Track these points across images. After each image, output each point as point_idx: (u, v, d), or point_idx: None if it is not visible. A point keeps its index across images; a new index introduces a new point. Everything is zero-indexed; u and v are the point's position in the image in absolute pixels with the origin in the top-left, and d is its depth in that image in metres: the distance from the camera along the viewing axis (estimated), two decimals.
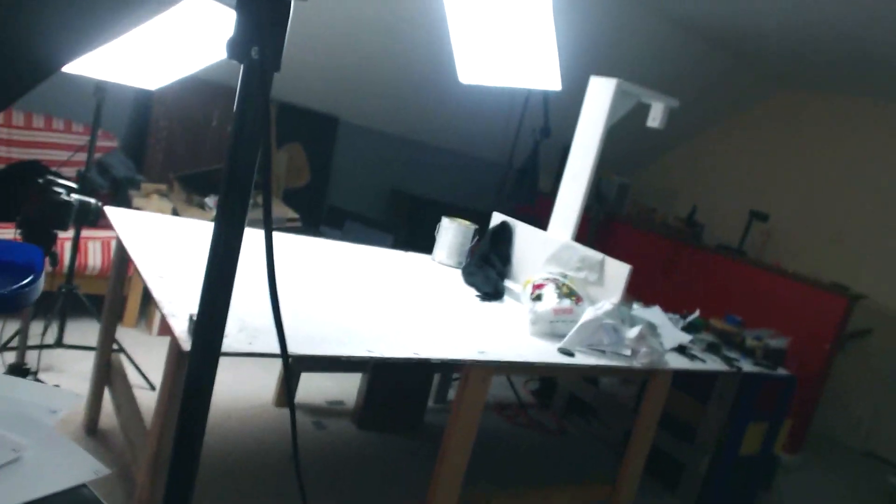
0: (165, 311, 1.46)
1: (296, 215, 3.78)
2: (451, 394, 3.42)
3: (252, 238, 2.54)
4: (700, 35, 4.57)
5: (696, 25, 4.39)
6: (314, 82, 4.41)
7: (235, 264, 0.73)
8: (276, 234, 2.58)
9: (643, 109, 2.80)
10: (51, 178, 1.63)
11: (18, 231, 1.56)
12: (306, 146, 4.58)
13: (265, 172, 0.66)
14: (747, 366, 2.69)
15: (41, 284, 1.16)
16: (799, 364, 3.38)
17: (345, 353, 1.54)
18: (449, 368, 3.30)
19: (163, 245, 1.96)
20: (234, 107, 0.68)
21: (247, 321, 1.54)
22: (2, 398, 0.81)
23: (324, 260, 2.40)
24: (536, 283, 2.47)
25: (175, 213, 3.35)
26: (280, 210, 3.82)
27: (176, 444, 0.74)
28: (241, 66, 0.67)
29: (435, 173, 5.45)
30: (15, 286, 1.06)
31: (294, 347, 1.49)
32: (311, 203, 4.64)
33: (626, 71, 3.33)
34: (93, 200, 1.75)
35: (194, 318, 0.75)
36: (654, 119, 2.79)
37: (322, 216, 4.73)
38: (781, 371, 2.85)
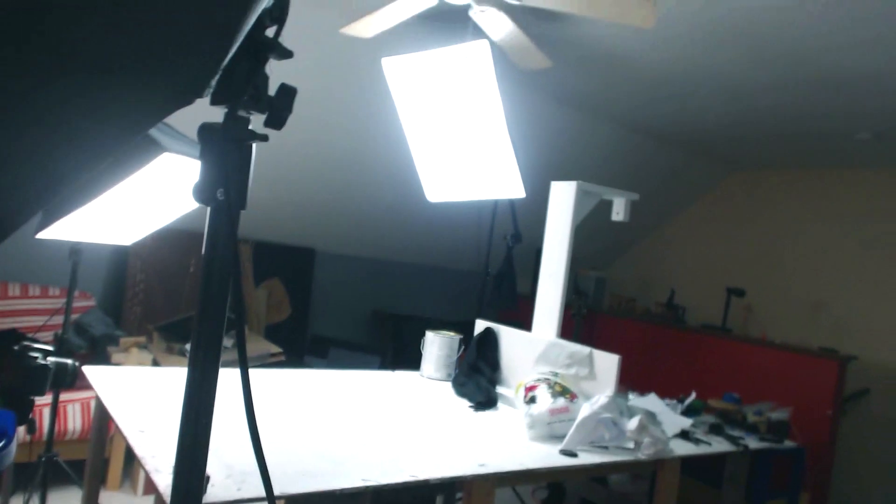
0: (148, 466, 1.41)
1: (279, 349, 3.74)
2: None
3: (235, 379, 2.50)
4: (651, 135, 4.88)
5: (646, 127, 4.69)
6: (287, 219, 4.53)
7: (211, 408, 0.72)
8: (260, 370, 2.54)
9: (608, 206, 2.92)
10: (26, 343, 1.62)
11: None
12: (284, 280, 4.62)
13: (238, 308, 0.68)
14: (753, 442, 2.63)
15: (13, 449, 1.12)
16: (804, 434, 3.31)
17: (339, 486, 1.48)
18: (451, 487, 3.16)
19: (143, 398, 1.92)
20: (203, 247, 0.70)
21: (234, 466, 1.49)
22: None
23: (310, 390, 2.35)
24: (529, 385, 2.44)
25: (156, 363, 3.30)
26: (262, 346, 3.79)
27: None
28: (209, 209, 0.70)
29: (414, 290, 5.50)
30: None
31: (284, 487, 1.43)
32: (294, 335, 4.61)
33: (587, 171, 3.53)
34: (70, 361, 1.73)
35: None
36: (618, 213, 2.92)
37: (306, 347, 4.68)
38: (788, 443, 2.79)
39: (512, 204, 3.95)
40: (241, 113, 0.71)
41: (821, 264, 5.02)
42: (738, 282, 5.14)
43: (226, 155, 0.68)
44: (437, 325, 3.22)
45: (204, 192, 0.69)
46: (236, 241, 0.69)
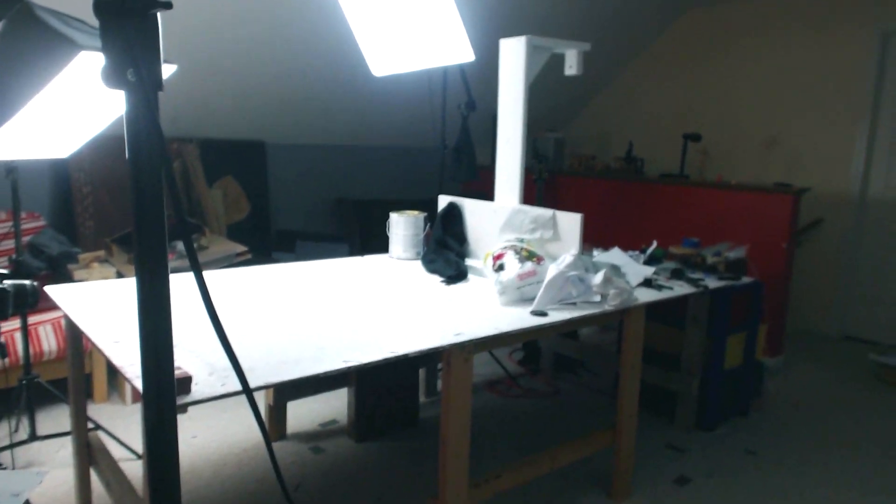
0: (129, 375, 1.41)
1: (244, 248, 3.70)
2: (440, 384, 3.42)
3: (210, 279, 2.48)
4: None
5: None
6: (232, 112, 4.31)
7: (168, 310, 0.70)
8: (228, 271, 2.52)
9: (560, 61, 2.82)
10: None
11: None
12: (239, 177, 4.49)
13: (174, 196, 0.63)
14: (713, 282, 2.75)
15: None
16: (762, 269, 3.48)
17: (321, 370, 1.52)
18: (431, 359, 3.29)
19: (112, 311, 1.90)
20: (125, 136, 0.65)
21: (216, 364, 1.50)
22: None
23: (281, 284, 2.35)
24: (496, 254, 2.48)
25: (120, 275, 3.25)
26: (227, 246, 3.74)
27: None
28: (124, 94, 0.64)
29: (374, 173, 5.41)
30: None
31: (268, 377, 1.46)
32: (258, 232, 4.55)
33: (535, 25, 3.35)
34: (27, 282, 1.68)
35: None
36: (571, 66, 2.82)
37: (272, 243, 4.64)
38: (746, 280, 2.93)
39: (462, 70, 3.80)
40: None
41: (773, 100, 5.04)
42: (695, 127, 5.15)
43: (128, 29, 0.61)
44: (402, 206, 3.20)
45: (112, 75, 0.62)
46: (158, 124, 0.63)
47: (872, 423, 3.25)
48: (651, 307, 2.39)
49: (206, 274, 2.44)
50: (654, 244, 2.98)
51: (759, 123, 5.12)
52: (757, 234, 3.94)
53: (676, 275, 2.75)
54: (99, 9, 0.60)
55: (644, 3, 5.18)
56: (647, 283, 2.56)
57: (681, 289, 2.57)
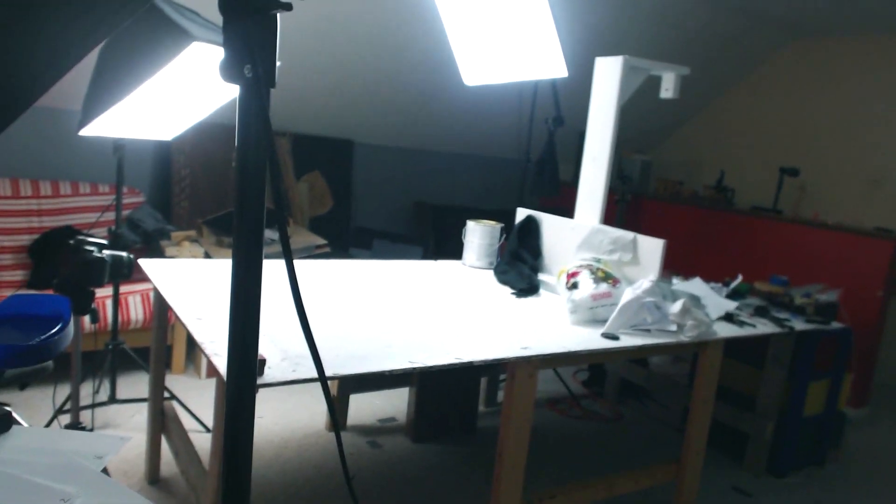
0: (208, 351, 1.48)
1: (324, 241, 3.81)
2: (501, 395, 3.40)
3: (284, 270, 2.57)
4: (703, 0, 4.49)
5: None
6: (324, 109, 4.46)
7: (258, 294, 0.73)
8: (307, 262, 2.60)
9: (656, 83, 2.76)
10: (81, 238, 1.68)
11: (57, 293, 1.60)
12: (325, 173, 4.63)
13: (276, 188, 0.66)
14: (799, 324, 2.61)
15: (70, 333, 1.18)
16: (853, 315, 3.27)
17: (388, 368, 1.54)
18: (495, 370, 3.28)
19: (198, 289, 1.99)
20: (236, 128, 0.68)
21: (289, 350, 1.55)
22: (48, 450, 0.83)
23: (357, 280, 2.41)
24: (571, 272, 2.44)
25: (207, 256, 3.41)
26: (308, 238, 3.86)
27: (224, 481, 0.75)
28: (239, 88, 0.67)
29: (455, 179, 5.45)
30: (44, 336, 1.09)
31: (336, 368, 1.49)
32: (338, 227, 4.68)
33: (632, 46, 3.30)
34: (125, 254, 1.79)
35: None
36: (667, 90, 2.75)
37: (350, 239, 4.76)
38: (835, 325, 2.76)
39: (554, 84, 3.77)
40: None
41: (880, 140, 4.73)
42: (793, 161, 4.90)
43: (249, 27, 0.64)
44: (479, 215, 3.21)
45: (230, 70, 0.66)
46: (268, 119, 0.67)
47: None
48: (730, 343, 2.29)
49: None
50: (739, 278, 2.85)
51: (862, 163, 4.82)
52: (850, 278, 3.71)
53: (760, 312, 2.62)
54: (223, 6, 0.64)
55: (748, 30, 4.98)
56: (728, 317, 2.45)
57: (764, 327, 2.45)
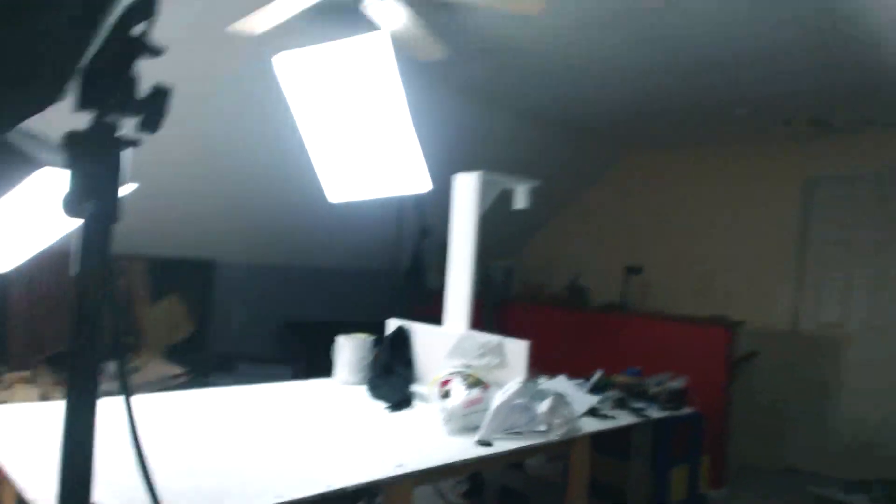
0: None
1: (181, 370, 3.57)
2: None
3: (141, 403, 2.35)
4: (548, 121, 5.03)
5: (543, 114, 4.84)
6: (182, 230, 4.32)
7: (92, 442, 0.68)
8: (161, 394, 2.41)
9: (511, 194, 2.99)
10: None
11: None
12: (184, 296, 4.41)
13: (116, 330, 0.64)
14: (655, 412, 2.78)
15: None
16: (701, 400, 3.54)
17: None
18: (371, 492, 3.14)
19: (31, 437, 1.78)
20: (76, 264, 0.66)
21: (135, 498, 1.41)
22: None
23: (216, 409, 2.26)
24: (443, 380, 2.46)
25: (44, 398, 3.06)
26: (162, 368, 3.60)
27: None
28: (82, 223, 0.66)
29: (324, 295, 5.40)
30: None
31: None
32: (198, 354, 4.41)
33: (489, 161, 3.58)
34: None
35: None
36: (520, 201, 3.00)
37: (211, 365, 4.49)
38: (686, 410, 2.97)
39: (418, 198, 3.96)
40: (111, 118, 0.67)
41: (708, 237, 5.38)
42: (636, 259, 5.40)
43: (94, 163, 0.64)
44: (351, 329, 3.18)
45: (73, 205, 0.64)
46: (110, 258, 0.65)
47: None
48: (597, 437, 2.38)
49: (138, 398, 2.33)
50: (599, 373, 3.02)
51: (695, 259, 5.42)
52: (696, 365, 4.04)
53: (620, 404, 2.77)
54: (69, 141, 0.64)
55: (587, 147, 5.61)
56: (593, 412, 2.56)
57: (624, 418, 2.58)
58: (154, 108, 0.70)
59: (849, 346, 4.70)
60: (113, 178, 0.67)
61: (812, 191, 4.94)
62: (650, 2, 2.80)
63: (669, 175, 5.70)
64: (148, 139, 0.76)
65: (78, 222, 0.66)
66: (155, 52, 0.68)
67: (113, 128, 0.68)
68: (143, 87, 0.70)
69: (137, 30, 0.66)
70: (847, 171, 4.75)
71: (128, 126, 0.71)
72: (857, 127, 4.52)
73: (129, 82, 0.67)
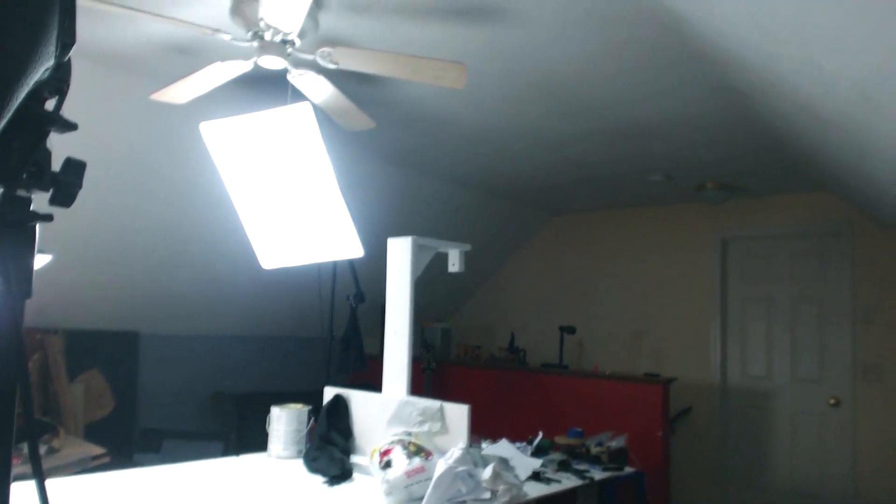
0: None
1: (102, 450, 3.32)
2: None
3: (58, 487, 2.17)
4: (476, 188, 5.16)
5: (471, 181, 4.97)
6: (103, 302, 4.11)
7: None
8: (81, 477, 2.23)
9: (445, 257, 3.01)
10: None
11: None
12: (106, 370, 4.16)
13: (26, 411, 0.59)
14: (598, 473, 2.77)
15: None
16: (641, 458, 3.56)
17: None
18: None
19: None
20: None
21: None
22: None
23: (142, 492, 2.10)
24: (383, 450, 2.38)
25: None
26: (82, 448, 3.34)
27: None
28: None
29: (256, 365, 5.21)
30: None
31: None
32: (120, 431, 4.13)
33: (421, 226, 3.63)
34: None
35: None
36: (454, 264, 3.02)
37: (136, 443, 4.21)
38: (629, 469, 2.98)
39: (352, 264, 3.92)
40: (21, 193, 0.64)
41: (636, 296, 5.54)
42: (569, 319, 5.48)
43: (3, 239, 0.61)
44: (285, 399, 3.06)
45: None
46: (21, 336, 0.61)
47: None
48: (541, 502, 2.34)
49: (57, 481, 2.15)
50: (540, 435, 3.00)
51: (626, 317, 5.56)
52: (634, 422, 4.09)
53: (563, 466, 2.75)
54: None
55: (516, 211, 5.78)
56: (536, 476, 2.53)
57: (568, 481, 2.56)
58: (68, 181, 0.67)
59: (775, 398, 4.87)
60: (24, 253, 0.63)
61: (727, 250, 5.21)
62: (562, 75, 2.96)
63: (595, 237, 5.91)
64: (72, 208, 0.73)
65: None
66: (68, 126, 0.66)
67: (25, 202, 0.65)
68: (57, 161, 0.68)
69: (49, 104, 0.65)
70: (758, 231, 5.05)
71: (40, 200, 0.69)
72: (766, 190, 4.85)
73: (42, 156, 0.65)
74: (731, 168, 4.32)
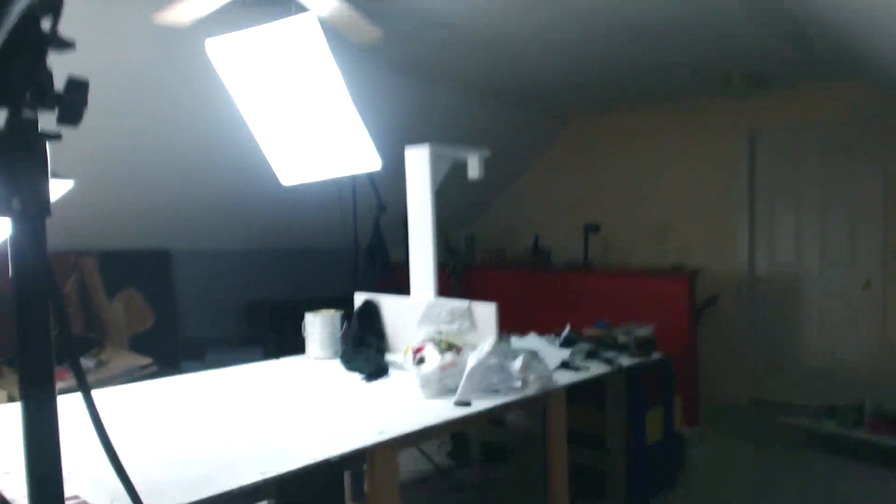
0: None
1: (148, 360, 3.50)
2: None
3: (111, 396, 2.31)
4: (492, 94, 5.01)
5: (487, 87, 4.81)
6: (133, 222, 4.19)
7: (56, 439, 0.66)
8: (132, 385, 2.37)
9: (464, 169, 2.99)
10: None
11: None
12: (142, 287, 4.31)
13: (61, 326, 0.61)
14: (626, 360, 2.85)
15: None
16: (669, 346, 3.64)
17: (237, 485, 1.43)
18: (356, 461, 3.16)
19: (2, 438, 1.73)
20: (10, 263, 0.63)
21: (120, 490, 1.39)
22: None
23: (191, 396, 2.23)
24: (416, 348, 2.47)
25: (11, 399, 2.97)
26: (128, 360, 3.53)
27: None
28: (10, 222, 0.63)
29: (287, 275, 5.34)
30: None
31: (178, 497, 1.36)
32: (165, 342, 4.34)
33: (438, 134, 3.57)
34: None
35: None
36: (473, 171, 3.01)
37: (180, 352, 4.43)
38: (656, 356, 3.05)
39: (371, 176, 3.90)
40: (27, 113, 0.64)
41: (661, 191, 5.46)
42: (594, 218, 5.46)
43: (15, 161, 0.61)
44: (317, 305, 3.16)
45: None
46: (45, 254, 0.63)
47: (788, 483, 3.36)
48: (571, 389, 2.43)
49: (108, 391, 2.29)
50: (568, 327, 3.07)
51: (652, 212, 5.51)
52: (661, 313, 4.14)
53: (591, 355, 2.83)
54: None
55: (534, 117, 5.62)
56: (565, 365, 2.61)
57: (597, 369, 2.64)
58: (72, 100, 0.67)
59: (804, 283, 4.87)
60: (38, 173, 0.64)
61: (755, 143, 5.05)
62: None
63: (618, 135, 5.75)
64: (90, 132, 0.73)
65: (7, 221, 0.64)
66: (65, 45, 0.65)
67: (31, 123, 0.65)
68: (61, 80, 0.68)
69: (45, 23, 0.64)
70: (787, 124, 4.87)
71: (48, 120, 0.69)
72: (794, 82, 4.62)
73: (43, 76, 0.64)
74: (757, 59, 4.11)
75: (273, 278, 5.23)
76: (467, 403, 2.06)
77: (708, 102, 5.15)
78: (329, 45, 1.94)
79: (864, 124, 4.55)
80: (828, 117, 4.68)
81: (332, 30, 2.65)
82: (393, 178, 3.09)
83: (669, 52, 3.96)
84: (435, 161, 2.80)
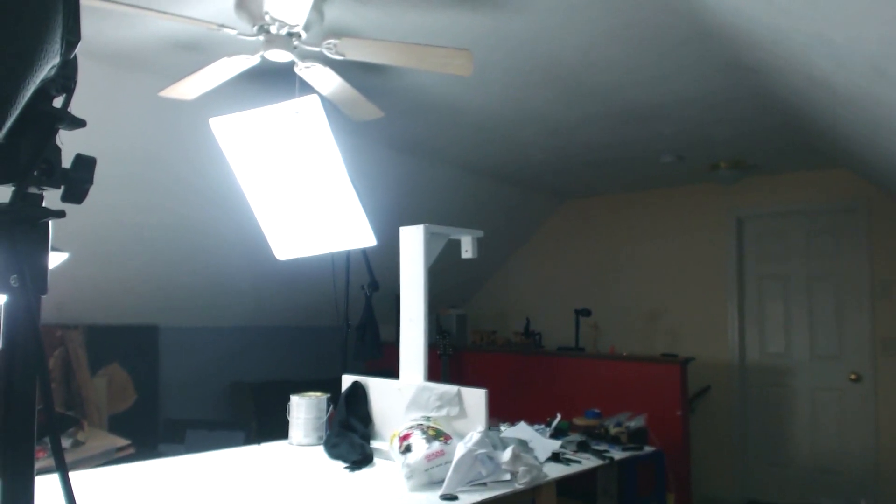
0: None
1: (126, 441, 3.39)
2: None
3: (84, 479, 2.21)
4: (486, 174, 5.14)
5: (481, 167, 4.95)
6: (123, 296, 4.17)
7: None
8: (107, 469, 2.28)
9: (458, 245, 3.01)
10: None
11: None
12: (127, 363, 4.23)
13: (45, 403, 0.60)
14: (618, 453, 2.78)
15: None
16: (661, 438, 3.56)
17: None
18: None
19: None
20: (2, 338, 0.62)
21: None
22: None
23: (167, 482, 2.14)
24: (402, 435, 2.40)
25: None
26: (107, 440, 3.41)
27: None
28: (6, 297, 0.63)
29: (274, 354, 5.26)
30: None
31: None
32: (144, 423, 4.21)
33: (433, 214, 3.63)
34: None
35: None
36: (467, 251, 3.02)
37: (159, 434, 4.28)
38: (648, 448, 2.98)
39: (365, 252, 3.93)
40: (33, 189, 0.65)
41: (651, 277, 5.51)
42: (584, 302, 5.46)
43: (16, 237, 0.62)
44: (303, 387, 3.09)
45: None
46: (38, 332, 0.62)
47: None
48: (561, 482, 2.35)
49: (84, 473, 2.20)
50: (559, 417, 3.01)
51: (642, 299, 5.53)
52: (652, 402, 4.08)
53: (582, 447, 2.76)
54: None
55: (526, 198, 5.75)
56: (556, 457, 2.54)
57: (588, 462, 2.57)
58: (78, 177, 0.68)
59: (794, 375, 4.84)
60: (38, 250, 0.64)
61: (743, 229, 5.16)
62: (568, 59, 2.92)
63: (608, 220, 5.86)
64: (85, 206, 0.74)
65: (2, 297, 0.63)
66: (76, 123, 0.67)
67: (37, 199, 0.66)
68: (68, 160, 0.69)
69: (57, 101, 0.66)
70: (774, 209, 4.99)
71: (52, 200, 0.70)
72: (780, 168, 4.79)
73: (52, 153, 0.66)
74: (743, 147, 4.26)
75: (261, 356, 5.15)
76: (454, 497, 1.99)
77: (696, 188, 5.29)
78: (328, 121, 2.00)
79: (850, 212, 4.66)
80: (814, 205, 4.80)
81: (331, 105, 2.74)
82: (386, 253, 3.13)
83: (659, 138, 4.10)
84: (429, 240, 2.83)
